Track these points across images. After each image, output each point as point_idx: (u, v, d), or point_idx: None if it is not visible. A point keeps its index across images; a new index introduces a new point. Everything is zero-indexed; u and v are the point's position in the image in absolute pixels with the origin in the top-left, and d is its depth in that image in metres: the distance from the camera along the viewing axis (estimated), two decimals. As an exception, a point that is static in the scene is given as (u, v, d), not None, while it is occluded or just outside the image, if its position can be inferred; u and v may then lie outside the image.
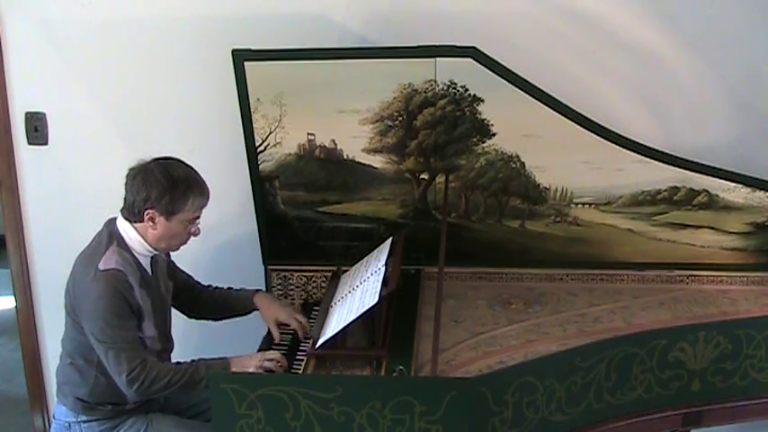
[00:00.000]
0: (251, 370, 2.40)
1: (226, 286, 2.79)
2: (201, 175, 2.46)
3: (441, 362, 2.38)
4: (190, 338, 2.83)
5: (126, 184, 2.42)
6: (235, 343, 2.64)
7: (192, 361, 2.41)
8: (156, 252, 2.50)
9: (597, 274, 2.99)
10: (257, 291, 2.77)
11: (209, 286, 2.78)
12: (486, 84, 2.62)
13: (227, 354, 2.48)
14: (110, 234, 2.45)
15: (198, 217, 2.47)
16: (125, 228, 2.44)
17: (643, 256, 2.95)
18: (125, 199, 2.43)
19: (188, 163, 2.47)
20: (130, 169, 2.42)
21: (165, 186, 2.37)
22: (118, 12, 3.09)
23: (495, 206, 2.91)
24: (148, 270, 2.50)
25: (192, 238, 2.51)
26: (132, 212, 2.41)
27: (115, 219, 2.48)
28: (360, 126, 2.74)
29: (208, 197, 2.46)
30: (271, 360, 2.44)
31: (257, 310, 2.72)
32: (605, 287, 2.97)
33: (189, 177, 2.42)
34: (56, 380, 2.60)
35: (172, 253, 2.63)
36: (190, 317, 2.77)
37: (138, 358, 2.34)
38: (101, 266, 2.36)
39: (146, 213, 2.39)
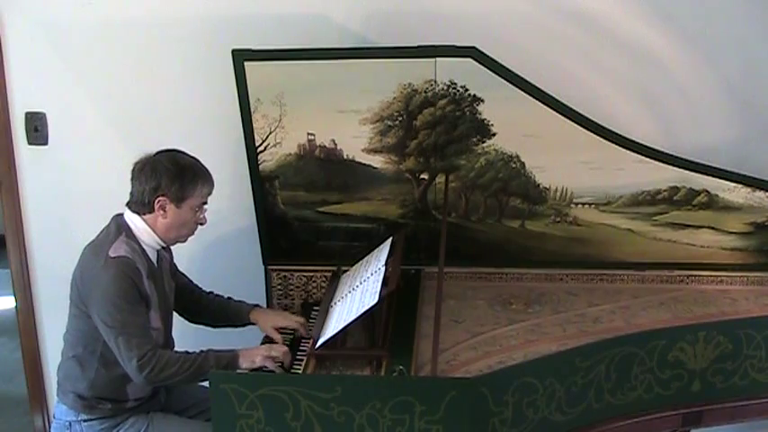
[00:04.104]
0: (258, 361, 2.43)
1: (226, 295, 2.79)
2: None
3: (441, 362, 2.38)
4: (188, 335, 2.82)
5: (133, 177, 2.46)
6: (233, 342, 2.63)
7: (201, 351, 2.43)
8: (164, 244, 2.53)
9: (597, 274, 2.98)
10: (254, 306, 2.77)
11: (211, 293, 2.80)
12: (486, 84, 2.62)
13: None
14: (118, 226, 2.48)
15: (205, 203, 2.52)
16: (133, 220, 2.48)
17: (643, 256, 2.95)
18: (132, 192, 2.47)
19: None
20: (136, 163, 2.47)
21: (175, 173, 2.42)
22: (118, 12, 3.09)
23: (495, 206, 2.91)
24: (155, 263, 2.52)
25: (193, 236, 2.53)
26: (142, 203, 2.45)
27: (122, 214, 2.51)
28: (360, 126, 2.74)
29: (213, 184, 2.53)
30: (278, 352, 2.47)
31: (253, 324, 2.73)
32: (605, 287, 2.97)
33: (195, 165, 2.49)
34: (56, 378, 2.60)
35: (174, 249, 2.64)
36: (190, 321, 2.78)
37: (149, 344, 2.37)
38: (111, 254, 2.39)
39: (156, 202, 2.43)
